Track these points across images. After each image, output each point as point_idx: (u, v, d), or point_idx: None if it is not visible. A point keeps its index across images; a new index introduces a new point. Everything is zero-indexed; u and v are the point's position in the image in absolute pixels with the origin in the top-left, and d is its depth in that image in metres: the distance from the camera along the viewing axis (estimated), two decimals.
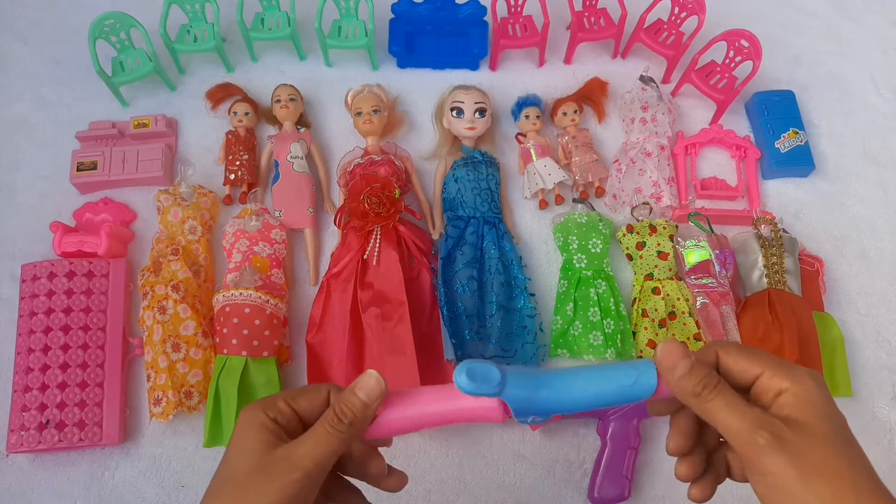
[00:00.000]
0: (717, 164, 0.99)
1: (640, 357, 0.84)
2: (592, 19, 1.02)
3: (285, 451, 0.39)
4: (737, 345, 0.41)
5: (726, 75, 0.99)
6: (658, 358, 0.40)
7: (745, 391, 0.40)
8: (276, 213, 0.89)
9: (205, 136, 0.97)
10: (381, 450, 0.48)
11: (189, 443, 0.79)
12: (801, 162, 0.97)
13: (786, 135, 0.97)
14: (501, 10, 1.00)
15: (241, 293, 0.78)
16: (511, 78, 1.03)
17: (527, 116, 0.95)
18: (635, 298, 0.87)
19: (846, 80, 1.08)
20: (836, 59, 1.10)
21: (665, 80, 1.04)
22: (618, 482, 0.76)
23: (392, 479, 0.47)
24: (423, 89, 1.01)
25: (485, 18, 1.01)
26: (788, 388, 0.37)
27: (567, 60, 1.05)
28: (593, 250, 0.87)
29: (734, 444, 0.38)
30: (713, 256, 0.86)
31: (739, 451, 0.38)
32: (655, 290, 0.86)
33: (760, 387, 0.39)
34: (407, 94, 1.01)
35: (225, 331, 0.77)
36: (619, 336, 0.83)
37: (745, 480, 0.41)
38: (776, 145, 0.97)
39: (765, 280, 0.85)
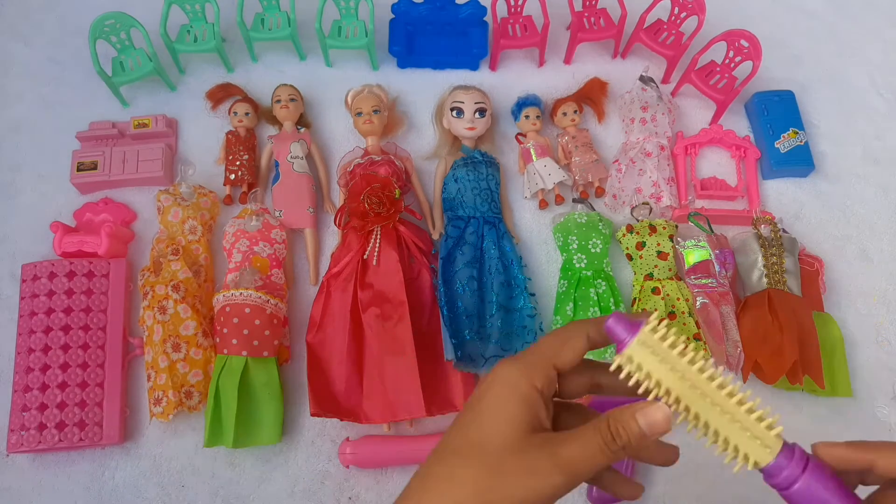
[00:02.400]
0: (716, 164, 0.99)
1: None
2: (592, 19, 1.02)
3: (549, 444, 0.35)
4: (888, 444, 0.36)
5: (726, 75, 0.99)
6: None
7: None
8: (277, 213, 0.89)
9: (205, 136, 0.97)
10: None
11: (189, 443, 0.79)
12: (800, 162, 0.97)
13: (785, 135, 0.97)
14: (501, 10, 1.00)
15: (241, 293, 0.78)
16: (511, 78, 1.03)
17: (527, 116, 0.95)
18: (635, 298, 0.87)
19: (846, 80, 1.08)
20: (836, 59, 1.10)
21: (665, 80, 1.04)
22: None
23: (629, 486, 0.43)
24: (423, 89, 1.01)
25: (485, 18, 1.01)
26: None
27: (567, 60, 1.05)
28: (593, 250, 0.87)
29: None
30: (713, 256, 0.86)
31: None
32: (655, 290, 0.86)
33: None
34: (407, 94, 1.01)
35: (225, 331, 0.77)
36: None
37: None
38: (776, 145, 0.97)
39: (765, 280, 0.85)
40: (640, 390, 0.37)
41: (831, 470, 0.36)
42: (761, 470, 0.37)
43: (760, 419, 0.37)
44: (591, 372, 0.41)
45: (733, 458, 0.37)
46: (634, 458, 0.41)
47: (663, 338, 0.37)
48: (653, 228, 0.88)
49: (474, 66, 1.04)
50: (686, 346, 0.37)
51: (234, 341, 0.77)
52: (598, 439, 0.36)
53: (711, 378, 0.36)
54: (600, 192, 0.94)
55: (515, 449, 0.35)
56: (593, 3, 1.03)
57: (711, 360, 0.36)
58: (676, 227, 0.89)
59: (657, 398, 0.36)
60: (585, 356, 0.40)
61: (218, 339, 0.79)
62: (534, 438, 0.35)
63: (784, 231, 0.89)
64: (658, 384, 0.36)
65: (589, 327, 0.39)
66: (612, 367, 0.37)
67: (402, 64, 1.03)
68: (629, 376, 0.37)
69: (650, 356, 0.36)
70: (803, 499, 0.36)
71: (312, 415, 0.78)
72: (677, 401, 0.36)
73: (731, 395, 0.37)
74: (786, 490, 0.37)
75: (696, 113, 1.02)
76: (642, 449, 0.39)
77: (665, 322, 0.37)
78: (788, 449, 0.37)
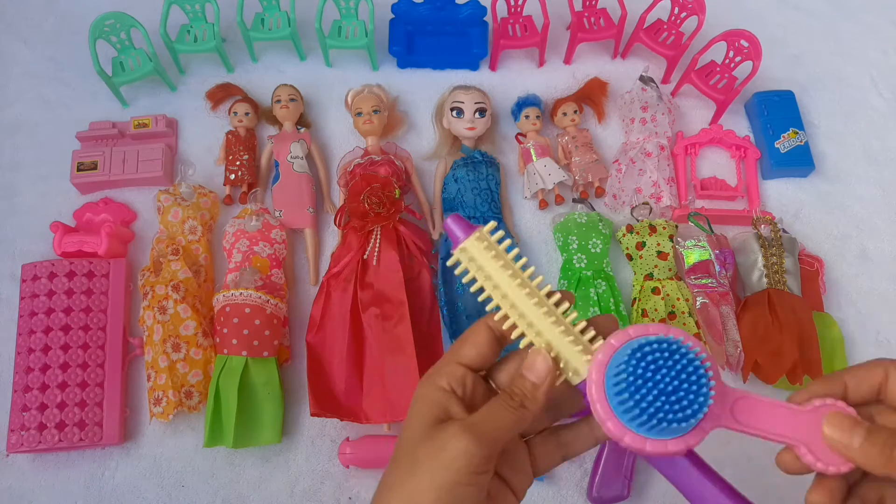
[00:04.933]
0: (716, 164, 0.99)
1: None
2: (592, 19, 1.02)
3: (458, 421, 0.36)
4: (859, 366, 0.37)
5: (726, 75, 0.99)
6: (827, 436, 0.36)
7: None
8: (277, 213, 0.89)
9: (205, 136, 0.97)
10: None
11: (189, 443, 0.79)
12: (800, 162, 0.97)
13: (785, 135, 0.97)
14: (501, 10, 1.00)
15: (241, 293, 0.78)
16: (511, 78, 1.03)
17: (527, 116, 0.95)
18: (635, 298, 0.87)
19: (846, 80, 1.08)
20: (836, 59, 1.10)
21: (665, 80, 1.04)
22: (617, 482, 0.76)
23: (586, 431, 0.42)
24: (423, 89, 1.01)
25: (485, 18, 1.01)
26: None
27: (567, 60, 1.05)
28: (593, 250, 0.87)
29: None
30: (713, 256, 0.86)
31: None
32: (655, 290, 0.86)
33: None
34: (407, 94, 1.01)
35: (225, 331, 0.77)
36: None
37: None
38: (776, 145, 0.97)
39: (764, 280, 0.85)
40: (473, 288, 0.39)
41: None
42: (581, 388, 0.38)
43: (574, 333, 0.38)
44: (556, 437, 0.42)
45: (560, 374, 0.38)
46: (555, 413, 0.43)
47: (489, 247, 0.38)
48: (653, 228, 0.88)
49: (474, 66, 1.04)
50: (511, 256, 0.39)
51: (234, 341, 0.77)
52: (499, 401, 0.37)
53: (530, 293, 0.38)
54: (600, 192, 0.94)
55: (425, 438, 0.36)
56: (593, 3, 1.03)
57: (532, 270, 0.39)
58: (676, 227, 0.89)
59: (489, 300, 0.38)
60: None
61: (218, 339, 0.79)
62: (442, 425, 0.36)
63: (784, 231, 0.89)
64: (488, 279, 0.38)
65: (489, 319, 0.40)
66: (450, 262, 0.39)
67: (402, 64, 1.03)
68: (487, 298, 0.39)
69: (474, 264, 0.38)
70: None
71: (312, 415, 0.78)
72: (504, 297, 0.38)
73: (557, 304, 0.38)
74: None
75: (696, 113, 1.02)
76: (551, 404, 0.40)
77: (498, 233, 0.39)
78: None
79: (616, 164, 0.95)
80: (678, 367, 0.34)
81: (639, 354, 0.35)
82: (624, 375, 0.35)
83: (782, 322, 0.81)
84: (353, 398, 0.79)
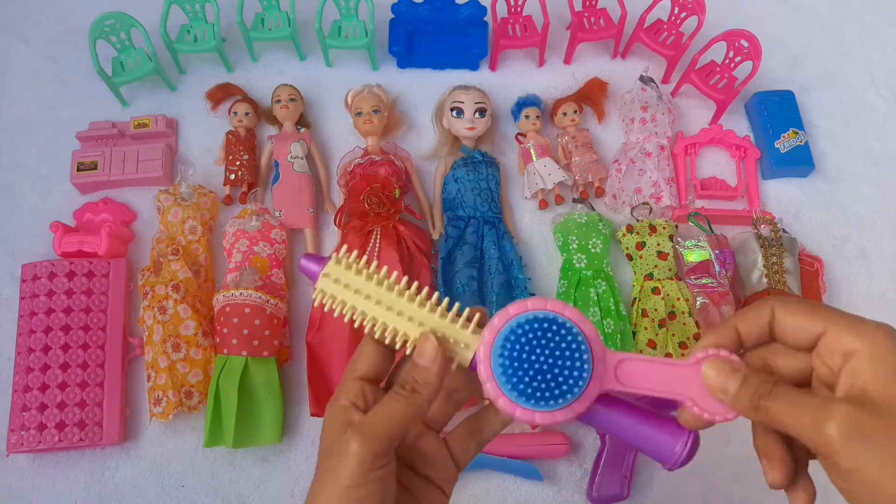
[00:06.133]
0: (716, 164, 0.99)
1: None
2: (592, 19, 1.02)
3: (350, 426, 0.37)
4: (797, 299, 0.37)
5: (726, 75, 0.99)
6: (707, 383, 0.36)
7: (807, 352, 0.36)
8: (277, 213, 0.89)
9: (205, 136, 0.97)
10: None
11: (189, 443, 0.79)
12: (800, 162, 0.97)
13: (785, 135, 0.97)
14: (501, 10, 1.00)
15: (241, 293, 0.78)
16: (511, 78, 1.03)
17: (527, 116, 0.95)
18: (635, 298, 0.87)
19: (846, 80, 1.08)
20: (836, 59, 1.10)
21: (665, 80, 1.04)
22: (617, 482, 0.77)
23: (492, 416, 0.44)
24: (423, 89, 1.01)
25: (485, 18, 1.01)
26: (859, 350, 0.32)
27: (567, 60, 1.05)
28: (593, 250, 0.87)
29: (807, 444, 0.33)
30: (713, 256, 0.86)
31: (814, 450, 0.33)
32: (655, 290, 0.86)
33: (825, 348, 0.34)
34: (407, 94, 1.01)
35: (225, 331, 0.77)
36: (619, 336, 0.83)
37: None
38: (776, 145, 0.97)
39: (764, 280, 0.85)
40: (347, 317, 0.40)
41: None
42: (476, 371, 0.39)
43: (455, 320, 0.40)
44: (467, 427, 0.43)
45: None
46: (456, 402, 0.44)
47: (349, 266, 0.40)
48: (653, 228, 0.88)
49: (474, 66, 1.04)
50: (373, 268, 0.41)
51: (234, 341, 0.77)
52: (390, 395, 0.38)
53: (401, 292, 0.40)
54: (600, 192, 0.94)
55: (326, 453, 0.37)
56: (593, 3, 1.03)
57: (397, 275, 0.40)
58: (676, 227, 0.89)
59: (355, 322, 0.40)
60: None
61: (218, 339, 0.79)
62: (342, 434, 0.37)
63: (784, 231, 0.89)
64: (358, 293, 0.40)
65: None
66: (315, 299, 0.41)
67: (402, 64, 1.03)
68: (344, 317, 0.40)
69: (340, 286, 0.40)
70: None
71: (312, 415, 0.78)
72: (374, 320, 0.39)
73: (422, 304, 0.40)
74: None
75: (696, 113, 1.02)
76: (449, 391, 0.42)
77: (353, 253, 0.41)
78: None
79: (616, 164, 0.95)
80: (556, 339, 0.36)
81: (519, 331, 0.36)
82: (506, 353, 0.36)
83: None
84: None
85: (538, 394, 0.36)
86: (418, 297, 0.40)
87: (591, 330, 0.38)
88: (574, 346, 0.36)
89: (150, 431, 0.80)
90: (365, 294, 0.40)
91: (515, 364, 0.36)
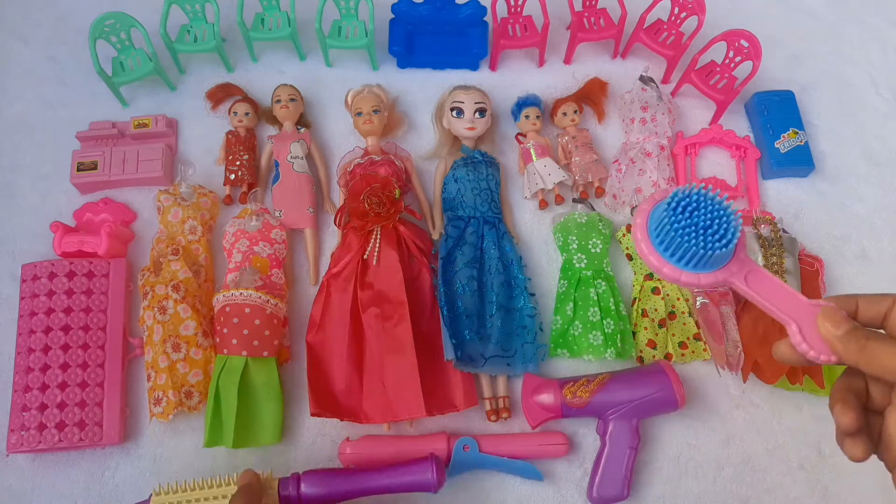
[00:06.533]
0: (716, 164, 0.99)
1: (640, 356, 0.84)
2: (592, 19, 1.02)
3: None
4: (872, 294, 0.43)
5: (726, 75, 0.99)
6: (822, 321, 0.42)
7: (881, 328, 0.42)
8: (276, 213, 0.89)
9: (205, 136, 0.97)
10: None
11: (189, 443, 0.79)
12: (800, 162, 0.97)
13: (785, 135, 0.97)
14: (501, 10, 1.00)
15: (241, 293, 0.78)
16: (511, 78, 1.03)
17: (527, 116, 0.95)
18: (635, 298, 0.87)
19: (846, 80, 1.08)
20: (836, 59, 1.10)
21: (665, 80, 1.04)
22: (617, 482, 0.76)
23: None
24: (423, 89, 1.01)
25: (485, 18, 1.01)
26: None
27: (567, 60, 1.05)
28: (593, 250, 0.87)
29: None
30: None
31: None
32: (655, 290, 0.86)
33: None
34: (407, 94, 1.01)
35: (225, 331, 0.77)
36: (618, 336, 0.83)
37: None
38: (776, 145, 0.97)
39: None
40: None
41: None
42: None
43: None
44: None
45: None
46: None
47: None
48: None
49: (474, 66, 1.04)
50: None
51: (234, 341, 0.77)
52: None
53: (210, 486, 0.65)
54: (600, 192, 0.94)
55: None
56: (593, 3, 1.03)
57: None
58: None
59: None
60: None
61: (218, 339, 0.79)
62: None
63: (784, 231, 0.89)
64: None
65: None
66: None
67: (402, 64, 1.03)
68: None
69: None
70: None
71: (312, 415, 0.78)
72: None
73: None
74: None
75: (696, 113, 1.02)
76: None
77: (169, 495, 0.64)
78: None
79: (616, 164, 0.95)
80: (715, 214, 0.42)
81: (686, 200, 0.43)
82: (669, 218, 0.42)
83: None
84: (353, 398, 0.79)
85: (689, 257, 0.41)
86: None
87: (744, 233, 0.43)
88: (729, 227, 0.42)
89: (150, 431, 0.80)
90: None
91: (678, 227, 0.41)
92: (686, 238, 0.41)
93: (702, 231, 0.41)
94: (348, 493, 0.70)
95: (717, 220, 0.42)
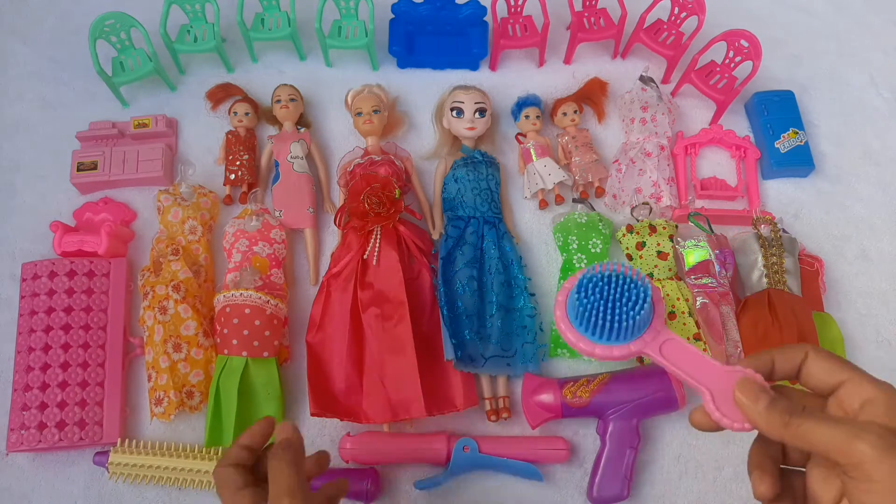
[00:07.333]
0: (716, 164, 0.99)
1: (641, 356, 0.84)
2: (592, 19, 1.02)
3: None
4: (826, 350, 0.41)
5: (726, 75, 0.99)
6: (739, 394, 0.41)
7: (823, 398, 0.41)
8: (276, 213, 0.89)
9: (205, 136, 0.97)
10: None
11: (190, 443, 0.79)
12: (800, 162, 0.97)
13: (785, 135, 0.97)
14: (501, 10, 1.00)
15: (241, 293, 0.78)
16: (511, 78, 1.03)
17: (527, 116, 0.95)
18: None
19: (846, 80, 1.08)
20: (836, 59, 1.10)
21: (665, 80, 1.04)
22: (617, 482, 0.76)
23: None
24: (423, 89, 1.01)
25: (485, 18, 1.01)
26: (877, 397, 0.38)
27: (567, 60, 1.05)
28: (593, 250, 0.87)
29: (836, 457, 0.37)
30: (713, 256, 0.86)
31: (843, 463, 0.37)
32: None
33: (845, 393, 0.39)
34: (407, 94, 1.01)
35: (225, 331, 0.77)
36: None
37: None
38: (776, 145, 0.97)
39: (764, 280, 0.85)
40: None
41: None
42: None
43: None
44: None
45: None
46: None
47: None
48: (653, 228, 0.88)
49: (474, 66, 1.04)
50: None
51: (235, 342, 0.77)
52: (271, 462, 0.53)
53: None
54: (600, 192, 0.94)
55: None
56: (593, 3, 1.03)
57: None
58: (676, 227, 0.89)
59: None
60: None
61: (218, 340, 0.79)
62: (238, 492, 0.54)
63: (784, 231, 0.89)
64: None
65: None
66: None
67: (402, 64, 1.03)
68: None
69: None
70: None
71: (312, 415, 0.78)
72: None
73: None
74: None
75: (696, 113, 1.02)
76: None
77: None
78: None
79: (616, 164, 0.95)
80: (626, 290, 0.44)
81: (594, 278, 0.44)
82: (581, 296, 0.44)
83: (782, 322, 0.81)
84: (353, 398, 0.79)
85: (603, 331, 0.43)
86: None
87: (661, 306, 0.44)
88: (639, 299, 0.43)
89: (150, 431, 0.80)
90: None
91: (587, 303, 0.43)
92: (595, 313, 0.43)
93: (610, 305, 0.43)
94: None
95: (627, 294, 0.43)
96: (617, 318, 0.43)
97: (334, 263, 0.85)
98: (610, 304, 0.43)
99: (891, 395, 0.37)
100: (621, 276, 0.44)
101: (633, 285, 0.43)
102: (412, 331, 0.79)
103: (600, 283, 0.43)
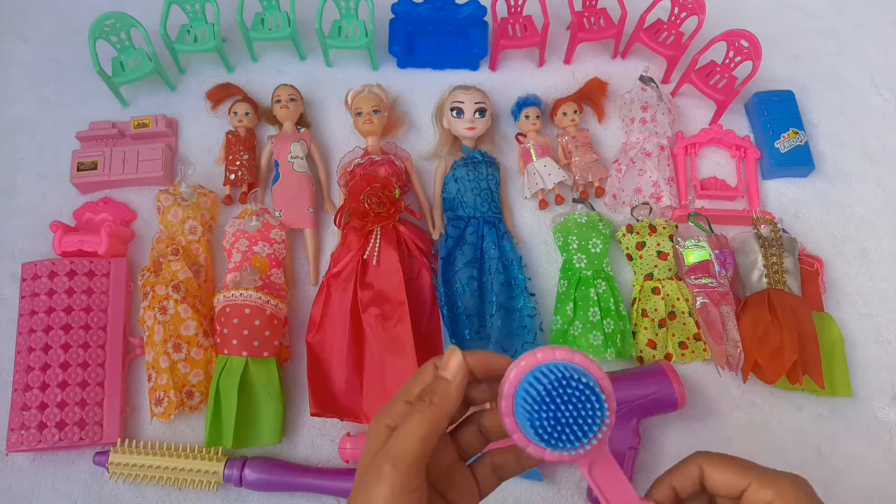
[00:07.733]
0: (716, 164, 0.99)
1: (640, 356, 0.84)
2: (592, 19, 1.02)
3: (384, 451, 0.38)
4: (722, 456, 0.41)
5: (726, 75, 0.99)
6: None
7: (736, 500, 0.40)
8: (276, 213, 0.89)
9: (205, 136, 0.97)
10: None
11: (189, 443, 0.79)
12: (800, 162, 0.97)
13: (785, 135, 0.97)
14: (501, 10, 1.00)
15: (241, 293, 0.78)
16: (511, 78, 1.03)
17: (527, 116, 0.95)
18: (635, 298, 0.87)
19: (846, 80, 1.08)
20: (836, 59, 1.10)
21: (665, 80, 1.04)
22: None
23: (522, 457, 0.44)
24: (423, 89, 1.01)
25: (485, 18, 1.01)
26: (773, 501, 0.38)
27: (567, 60, 1.05)
28: (593, 250, 0.87)
29: None
30: (713, 256, 0.86)
31: None
32: (655, 290, 0.86)
33: (748, 499, 0.39)
34: (407, 94, 1.01)
35: (225, 331, 0.77)
36: (618, 336, 0.83)
37: None
38: (776, 145, 0.97)
39: (764, 280, 0.85)
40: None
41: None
42: None
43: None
44: (490, 462, 0.45)
45: None
46: (485, 441, 0.45)
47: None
48: (653, 228, 0.88)
49: (474, 66, 1.04)
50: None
51: (235, 342, 0.77)
52: (411, 412, 0.38)
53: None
54: (600, 192, 0.94)
55: (363, 467, 0.39)
56: (593, 3, 1.03)
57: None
58: (676, 227, 0.89)
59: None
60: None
61: (218, 340, 0.79)
62: (377, 454, 0.38)
63: (784, 231, 0.89)
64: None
65: (436, 359, 0.42)
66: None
67: (402, 64, 1.03)
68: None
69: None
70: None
71: (312, 415, 0.78)
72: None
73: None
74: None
75: (696, 113, 1.02)
76: (466, 404, 0.43)
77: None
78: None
79: (616, 164, 0.95)
80: (577, 392, 0.37)
81: (543, 378, 0.37)
82: (529, 395, 0.37)
83: (782, 322, 0.81)
84: (353, 398, 0.79)
85: (554, 436, 0.38)
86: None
87: (610, 396, 0.39)
88: (591, 403, 0.38)
89: (151, 431, 0.80)
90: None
91: (535, 405, 0.37)
92: (535, 410, 0.38)
93: (560, 412, 0.38)
94: (286, 485, 0.76)
95: (577, 397, 0.38)
96: (565, 427, 0.38)
97: (334, 263, 0.85)
98: (560, 411, 0.38)
99: (786, 498, 0.38)
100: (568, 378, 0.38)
101: (579, 384, 0.38)
102: (412, 331, 0.79)
103: (552, 389, 0.38)
